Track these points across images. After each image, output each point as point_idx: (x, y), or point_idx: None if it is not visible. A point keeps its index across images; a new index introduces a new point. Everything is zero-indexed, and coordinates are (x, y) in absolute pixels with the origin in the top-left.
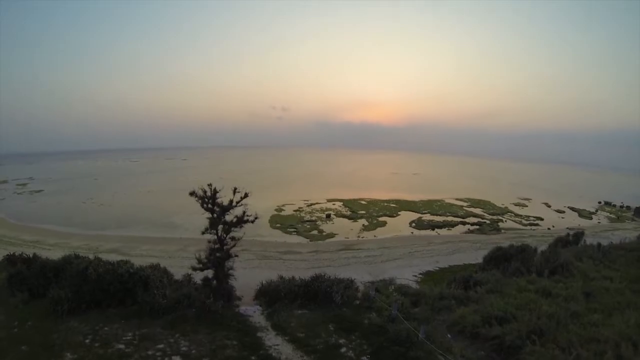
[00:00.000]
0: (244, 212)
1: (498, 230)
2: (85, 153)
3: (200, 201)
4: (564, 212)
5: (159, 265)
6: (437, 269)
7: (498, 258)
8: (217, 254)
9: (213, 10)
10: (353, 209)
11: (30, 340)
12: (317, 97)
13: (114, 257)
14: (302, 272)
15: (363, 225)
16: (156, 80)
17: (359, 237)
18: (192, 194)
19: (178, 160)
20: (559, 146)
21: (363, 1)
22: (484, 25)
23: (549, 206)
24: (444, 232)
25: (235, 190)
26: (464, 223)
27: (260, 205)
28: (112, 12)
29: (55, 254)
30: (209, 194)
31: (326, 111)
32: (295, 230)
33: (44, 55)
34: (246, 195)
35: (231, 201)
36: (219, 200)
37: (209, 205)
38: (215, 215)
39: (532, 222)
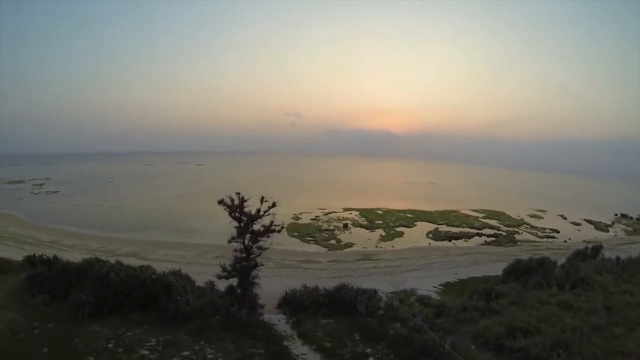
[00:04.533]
0: (272, 222)
1: (514, 242)
2: (100, 155)
3: (228, 210)
4: (580, 224)
5: (181, 271)
6: (457, 280)
7: (518, 271)
8: (244, 263)
9: (226, 15)
10: (370, 218)
11: (51, 342)
12: (331, 104)
13: (132, 261)
14: (323, 281)
15: (380, 235)
16: (169, 83)
17: (377, 247)
18: (221, 202)
19: (192, 164)
20: (573, 155)
21: (377, 9)
22: (497, 32)
23: (565, 218)
24: (460, 243)
25: (262, 199)
26: (480, 234)
27: (276, 212)
28: (126, 12)
29: (73, 256)
30: (236, 202)
31: (340, 118)
32: (313, 239)
33: (57, 55)
34: (274, 205)
35: (259, 210)
36: (246, 209)
37: (237, 214)
38: (242, 224)
39: (548, 234)
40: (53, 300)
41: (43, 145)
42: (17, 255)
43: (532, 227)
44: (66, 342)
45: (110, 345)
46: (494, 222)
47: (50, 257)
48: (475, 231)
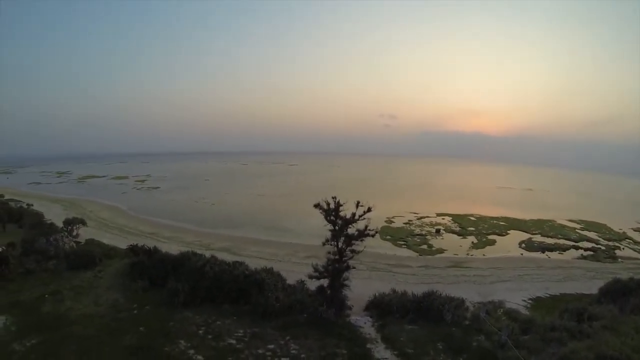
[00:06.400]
0: (366, 226)
1: (614, 258)
2: (197, 154)
3: (324, 213)
4: None
5: (272, 269)
6: (548, 295)
7: (616, 291)
8: (336, 265)
9: (317, 13)
10: (462, 224)
11: (148, 323)
12: (426, 105)
13: (225, 256)
14: (412, 286)
15: (472, 242)
16: (259, 85)
17: (468, 254)
18: (317, 205)
19: (286, 165)
20: None
21: (469, 8)
22: (589, 29)
23: None
24: (554, 255)
25: (358, 204)
26: (576, 247)
27: (369, 215)
28: (208, 15)
29: (170, 247)
30: (332, 206)
31: (434, 119)
32: (405, 243)
33: (159, 61)
34: (369, 210)
35: (354, 214)
36: (342, 213)
37: (332, 218)
38: (337, 227)
39: None
40: (152, 286)
41: (145, 146)
42: (121, 243)
43: (636, 242)
44: (161, 325)
45: (200, 331)
46: (592, 235)
47: (151, 248)
48: (571, 243)
